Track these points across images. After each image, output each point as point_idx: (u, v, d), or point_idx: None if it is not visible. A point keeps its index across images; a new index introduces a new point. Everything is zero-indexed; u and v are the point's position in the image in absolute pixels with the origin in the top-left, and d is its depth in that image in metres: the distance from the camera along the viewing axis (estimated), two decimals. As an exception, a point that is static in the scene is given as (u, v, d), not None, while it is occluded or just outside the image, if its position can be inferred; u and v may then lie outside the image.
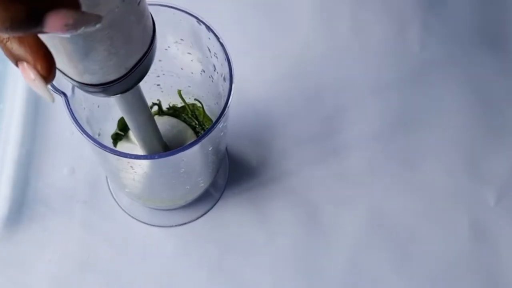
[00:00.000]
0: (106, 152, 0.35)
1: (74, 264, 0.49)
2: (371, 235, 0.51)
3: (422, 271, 0.50)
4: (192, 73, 0.41)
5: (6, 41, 0.24)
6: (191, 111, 0.48)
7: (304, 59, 0.57)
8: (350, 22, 0.59)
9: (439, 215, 0.52)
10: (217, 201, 0.52)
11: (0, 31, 0.21)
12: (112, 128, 0.48)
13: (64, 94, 0.35)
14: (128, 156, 0.35)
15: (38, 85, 0.25)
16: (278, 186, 0.52)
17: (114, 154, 0.35)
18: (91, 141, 0.35)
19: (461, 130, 0.55)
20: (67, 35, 0.22)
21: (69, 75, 0.29)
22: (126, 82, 0.30)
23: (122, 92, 0.31)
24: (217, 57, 0.37)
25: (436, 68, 0.57)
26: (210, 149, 0.40)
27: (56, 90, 0.35)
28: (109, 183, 0.52)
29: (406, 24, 0.59)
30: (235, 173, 0.53)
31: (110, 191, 0.51)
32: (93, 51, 0.27)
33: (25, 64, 0.24)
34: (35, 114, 0.53)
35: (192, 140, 0.46)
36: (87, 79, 0.29)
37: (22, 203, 0.50)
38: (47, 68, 0.24)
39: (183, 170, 0.41)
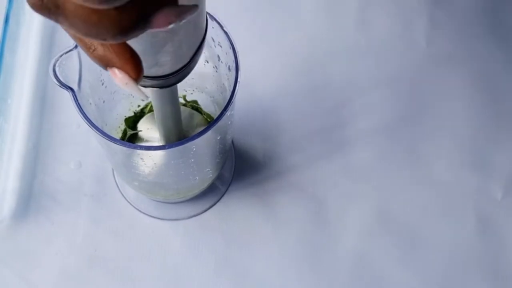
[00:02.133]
0: (116, 146, 0.35)
1: (81, 257, 0.49)
2: (378, 229, 0.51)
3: (429, 265, 0.50)
4: None
5: (94, 49, 0.25)
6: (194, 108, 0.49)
7: (311, 53, 0.57)
8: (357, 17, 0.59)
9: (446, 209, 0.52)
10: (223, 195, 0.52)
11: (112, 39, 0.22)
12: (116, 122, 0.48)
13: (71, 89, 0.35)
14: (139, 148, 0.35)
15: (130, 87, 0.25)
16: (284, 180, 0.52)
17: (124, 147, 0.35)
18: (101, 134, 0.35)
19: (468, 125, 0.55)
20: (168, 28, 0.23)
21: None
22: (185, 72, 0.31)
23: (176, 83, 0.32)
24: (221, 46, 0.37)
25: (442, 63, 0.57)
26: (218, 138, 0.40)
27: (63, 85, 0.35)
28: (116, 177, 0.52)
29: (412, 19, 0.59)
30: (241, 167, 0.53)
31: (117, 185, 0.51)
32: (169, 42, 0.27)
33: (115, 69, 0.25)
34: (41, 108, 0.53)
35: (202, 126, 0.46)
36: (153, 71, 0.30)
37: (29, 196, 0.51)
38: (136, 71, 0.25)
39: (192, 160, 0.41)
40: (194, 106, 0.49)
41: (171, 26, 0.23)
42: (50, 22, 0.56)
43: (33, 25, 0.56)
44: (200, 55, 0.31)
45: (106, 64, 0.25)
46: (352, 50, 0.57)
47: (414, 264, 0.50)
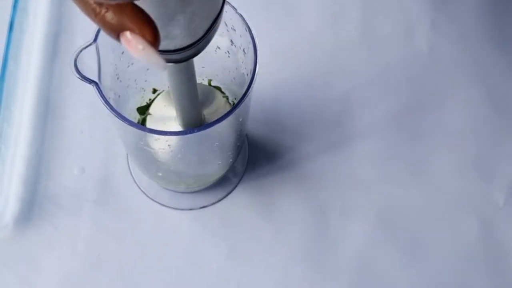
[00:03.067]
0: (144, 135, 0.35)
1: (84, 262, 0.49)
2: (380, 235, 0.51)
3: (430, 270, 0.50)
4: (206, 52, 0.41)
5: (105, 12, 0.23)
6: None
7: (312, 58, 0.57)
8: (358, 21, 0.59)
9: (448, 215, 0.52)
10: (236, 186, 0.52)
11: None
12: (130, 118, 0.48)
13: (95, 83, 0.35)
14: (168, 134, 0.35)
15: (148, 53, 0.23)
16: (294, 173, 0.53)
17: (154, 134, 0.35)
18: (129, 124, 0.34)
19: (470, 130, 0.55)
20: None
21: None
22: (200, 47, 0.30)
23: (190, 58, 0.30)
24: (235, 30, 0.37)
25: (444, 68, 0.57)
26: (240, 120, 0.40)
27: (86, 79, 0.35)
28: (131, 168, 0.52)
29: (414, 24, 0.59)
30: (253, 160, 0.53)
31: (131, 174, 0.51)
32: (180, 14, 0.26)
33: (128, 34, 0.23)
34: (45, 113, 0.53)
35: (225, 106, 0.46)
36: (164, 45, 0.28)
37: (32, 202, 0.51)
38: (154, 33, 0.23)
39: (217, 143, 0.41)
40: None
41: None
42: (54, 29, 0.56)
43: (36, 32, 0.56)
44: (216, 30, 0.30)
45: (117, 29, 0.23)
46: (353, 55, 0.57)
47: (416, 270, 0.50)
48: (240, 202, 0.52)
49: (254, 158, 0.53)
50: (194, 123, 0.42)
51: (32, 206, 0.50)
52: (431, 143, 0.55)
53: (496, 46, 0.58)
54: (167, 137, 0.36)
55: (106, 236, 0.50)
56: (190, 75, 0.35)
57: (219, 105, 0.47)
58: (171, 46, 0.28)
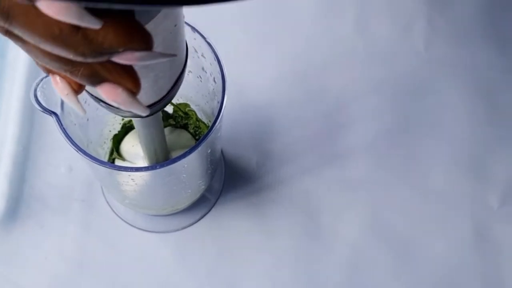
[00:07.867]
0: (106, 168, 0.35)
1: (70, 262, 0.49)
2: (372, 240, 0.51)
3: (424, 276, 0.50)
4: None
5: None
6: (183, 112, 0.48)
7: (307, 60, 0.56)
8: (354, 21, 0.58)
9: (442, 219, 0.52)
10: (213, 206, 0.51)
11: (80, 57, 0.21)
12: (101, 139, 0.48)
13: (55, 114, 0.35)
14: (129, 170, 0.35)
15: (70, 98, 0.25)
16: (276, 191, 0.52)
17: (115, 169, 0.35)
18: (91, 159, 0.35)
19: (465, 132, 0.54)
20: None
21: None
22: (163, 104, 0.30)
23: (156, 112, 0.31)
24: (204, 57, 0.37)
25: (441, 68, 0.57)
26: (209, 151, 0.39)
27: (46, 111, 0.34)
28: (104, 193, 0.51)
29: (411, 23, 0.58)
30: (231, 178, 0.52)
31: (106, 201, 0.51)
32: (144, 78, 0.27)
33: (57, 77, 0.24)
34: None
35: (190, 143, 0.46)
36: None
37: (18, 200, 0.50)
38: (78, 85, 0.24)
39: (184, 175, 0.40)
40: (184, 115, 0.49)
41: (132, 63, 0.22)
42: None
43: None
44: (179, 85, 0.31)
45: (48, 70, 0.24)
46: (349, 55, 0.57)
47: (408, 275, 0.50)
48: (218, 221, 0.51)
49: (231, 176, 0.52)
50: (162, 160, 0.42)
51: (18, 204, 0.50)
52: (426, 146, 0.54)
53: (492, 47, 0.58)
54: (129, 173, 0.36)
55: (93, 236, 0.50)
56: (157, 125, 0.36)
57: (188, 145, 0.47)
58: None
